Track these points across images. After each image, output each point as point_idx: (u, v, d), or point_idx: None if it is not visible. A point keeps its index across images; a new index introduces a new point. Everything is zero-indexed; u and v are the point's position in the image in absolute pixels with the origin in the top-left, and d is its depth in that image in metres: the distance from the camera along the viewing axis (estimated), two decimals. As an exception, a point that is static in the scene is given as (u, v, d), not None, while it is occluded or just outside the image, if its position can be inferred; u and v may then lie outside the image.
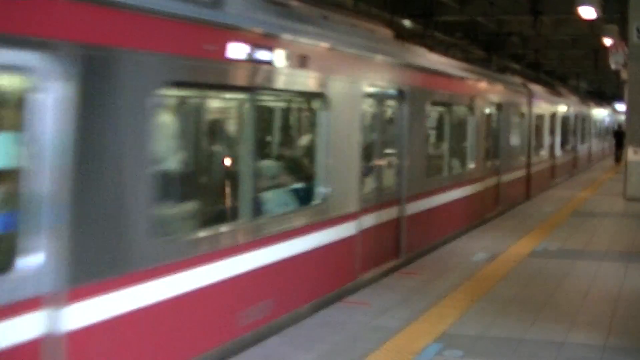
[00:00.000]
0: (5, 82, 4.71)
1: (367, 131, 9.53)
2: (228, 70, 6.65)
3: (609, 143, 39.62)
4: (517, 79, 20.40)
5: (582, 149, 30.43)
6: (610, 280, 9.57)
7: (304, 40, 7.89)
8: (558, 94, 25.79)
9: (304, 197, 8.45)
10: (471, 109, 14.35)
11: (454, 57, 16.98)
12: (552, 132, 23.29)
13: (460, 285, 9.10)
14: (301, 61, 7.79)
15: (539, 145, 21.45)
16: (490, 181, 15.78)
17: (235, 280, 6.67)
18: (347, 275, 8.88)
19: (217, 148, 7.82)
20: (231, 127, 7.70)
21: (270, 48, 7.20)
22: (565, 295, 8.78)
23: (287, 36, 7.54)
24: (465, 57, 23.38)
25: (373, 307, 8.02)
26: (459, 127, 14.16)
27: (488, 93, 15.45)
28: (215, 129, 7.77)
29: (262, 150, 8.11)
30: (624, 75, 21.68)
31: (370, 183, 9.77)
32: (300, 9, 8.37)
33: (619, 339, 7.07)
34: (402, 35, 15.58)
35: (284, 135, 9.64)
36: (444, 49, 23.71)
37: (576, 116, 28.62)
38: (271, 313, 7.21)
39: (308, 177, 8.67)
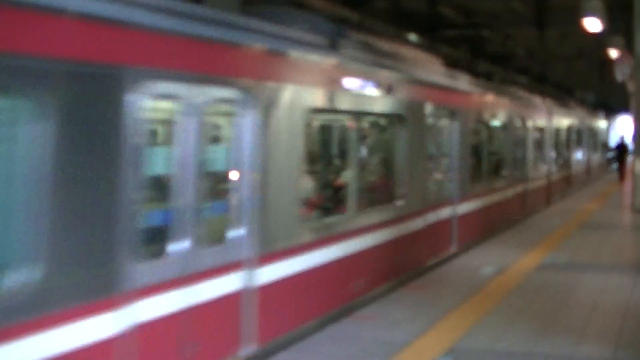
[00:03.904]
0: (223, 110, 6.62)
1: None
2: None
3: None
4: None
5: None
6: (618, 293, 9.57)
7: None
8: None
9: None
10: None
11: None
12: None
13: (469, 299, 9.11)
14: None
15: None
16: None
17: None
18: None
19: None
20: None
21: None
22: (573, 308, 8.78)
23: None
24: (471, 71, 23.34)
25: (381, 322, 8.04)
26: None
27: None
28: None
29: None
30: (631, 87, 21.68)
31: None
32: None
33: (627, 351, 7.06)
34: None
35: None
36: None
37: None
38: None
39: None
